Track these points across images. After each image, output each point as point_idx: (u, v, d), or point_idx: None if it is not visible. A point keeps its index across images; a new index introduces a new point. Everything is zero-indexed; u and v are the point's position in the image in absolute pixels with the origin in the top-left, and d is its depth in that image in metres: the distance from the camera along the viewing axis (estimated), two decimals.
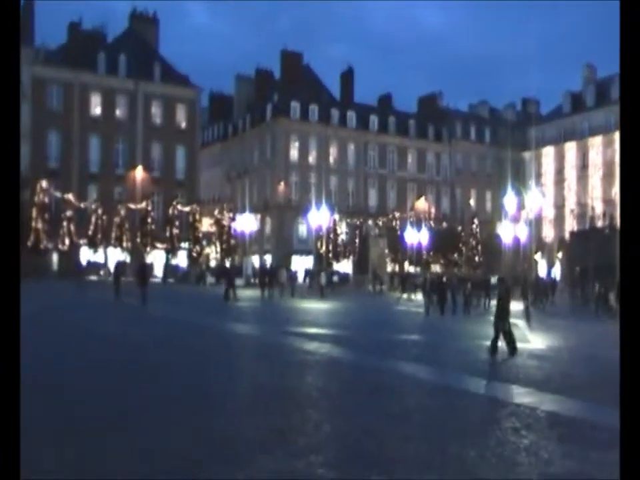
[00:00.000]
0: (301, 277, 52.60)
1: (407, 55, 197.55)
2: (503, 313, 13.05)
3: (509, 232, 47.10)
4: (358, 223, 66.40)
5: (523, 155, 75.53)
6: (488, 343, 13.17)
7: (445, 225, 70.71)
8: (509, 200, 34.46)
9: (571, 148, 71.69)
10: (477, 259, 67.55)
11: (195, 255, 59.53)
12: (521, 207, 37.78)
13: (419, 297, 33.62)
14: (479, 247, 68.46)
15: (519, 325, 21.78)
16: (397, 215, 67.84)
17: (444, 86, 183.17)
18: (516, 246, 45.92)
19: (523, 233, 43.49)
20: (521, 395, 8.73)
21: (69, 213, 55.27)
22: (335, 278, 46.21)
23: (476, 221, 70.32)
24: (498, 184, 71.80)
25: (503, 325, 12.98)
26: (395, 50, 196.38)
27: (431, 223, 68.31)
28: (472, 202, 77.69)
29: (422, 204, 73.45)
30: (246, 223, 56.87)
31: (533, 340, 16.93)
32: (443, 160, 77.58)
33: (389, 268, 62.54)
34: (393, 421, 7.18)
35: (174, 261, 59.68)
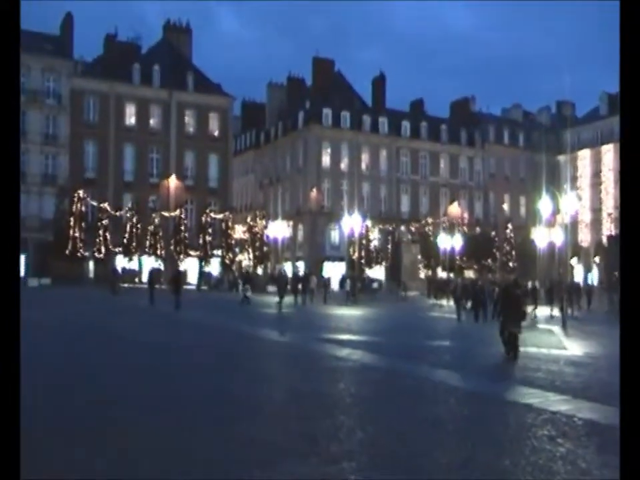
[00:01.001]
0: (335, 284, 52.56)
1: (439, 59, 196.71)
2: (517, 316, 12.85)
3: (544, 236, 46.42)
4: (390, 228, 66.18)
5: (557, 158, 74.53)
6: (524, 349, 12.99)
7: (478, 230, 70.09)
8: (544, 204, 33.96)
9: (608, 150, 70.45)
10: (511, 264, 66.77)
11: (227, 262, 59.93)
12: (556, 211, 37.21)
13: (451, 302, 33.36)
14: (513, 252, 67.68)
15: (554, 330, 21.46)
16: (430, 220, 67.46)
17: (476, 90, 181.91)
18: (551, 251, 45.21)
19: (558, 237, 42.82)
20: (557, 403, 8.58)
21: (104, 222, 56.17)
22: (375, 284, 45.82)
23: (510, 225, 69.57)
24: (532, 188, 70.93)
25: (516, 328, 12.79)
26: (426, 54, 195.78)
27: (464, 228, 67.80)
28: (505, 206, 76.85)
29: (455, 209, 72.92)
30: (278, 230, 57.10)
31: (569, 346, 16.64)
32: (476, 165, 76.94)
33: (422, 274, 62.15)
34: (425, 428, 7.12)
35: (207, 268, 60.14)
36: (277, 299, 29.48)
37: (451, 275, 57.12)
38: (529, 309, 26.98)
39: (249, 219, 61.66)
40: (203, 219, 59.49)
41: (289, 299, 38.40)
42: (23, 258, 58.04)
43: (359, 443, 6.43)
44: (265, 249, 60.61)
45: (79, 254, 54.35)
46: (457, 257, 59.92)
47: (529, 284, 34.77)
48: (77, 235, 54.33)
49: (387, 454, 5.97)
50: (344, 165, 69.92)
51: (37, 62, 59.74)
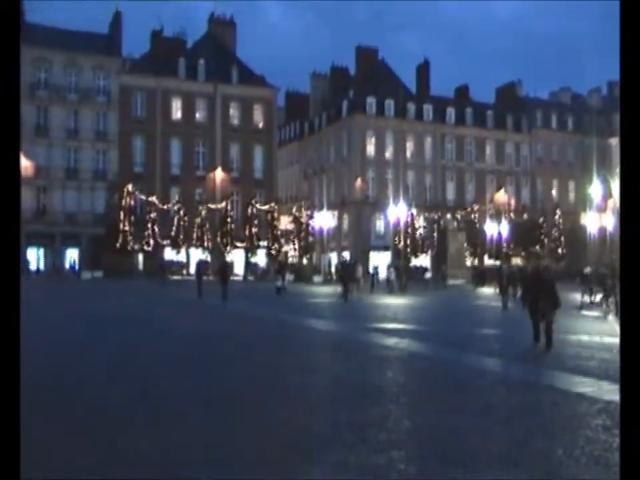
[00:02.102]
0: (383, 273, 52.43)
1: (483, 43, 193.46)
2: (551, 303, 12.52)
3: (594, 222, 45.35)
4: (436, 217, 65.59)
5: (609, 141, 72.58)
6: (573, 337, 12.70)
7: (525, 216, 68.88)
8: (595, 189, 33.19)
9: None
10: (560, 250, 65.48)
11: (273, 252, 60.35)
12: (607, 195, 36.29)
13: (498, 291, 32.89)
14: (562, 239, 66.32)
15: (609, 319, 20.97)
16: (476, 207, 66.61)
17: (523, 74, 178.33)
18: (602, 237, 44.17)
19: (610, 222, 41.77)
20: (612, 392, 8.37)
21: (153, 215, 57.17)
22: (428, 275, 45.39)
23: (558, 211, 68.19)
24: (581, 173, 69.33)
25: (551, 315, 12.49)
26: (470, 40, 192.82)
27: (511, 215, 66.74)
28: (554, 192, 75.29)
29: (501, 196, 71.80)
30: (323, 220, 57.19)
31: None
32: (523, 150, 75.55)
33: (468, 262, 61.48)
34: (474, 417, 7.03)
35: (253, 259, 60.68)
36: (338, 289, 29.53)
37: (498, 262, 56.35)
38: (582, 296, 26.47)
39: (294, 210, 61.92)
40: (249, 210, 59.99)
41: (332, 289, 38.44)
42: (76, 252, 59.59)
43: (407, 432, 6.39)
44: (310, 239, 60.81)
45: (128, 247, 55.49)
46: (504, 244, 59.01)
47: (586, 270, 34.01)
48: (126, 228, 55.45)
49: (436, 443, 5.92)
50: (388, 153, 69.50)
51: (88, 61, 61.00)
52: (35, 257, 58.75)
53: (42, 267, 57.61)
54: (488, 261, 59.87)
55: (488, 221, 59.13)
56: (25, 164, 57.21)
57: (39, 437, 5.79)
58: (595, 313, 23.10)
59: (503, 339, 15.30)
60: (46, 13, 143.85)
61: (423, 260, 62.82)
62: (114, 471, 5.03)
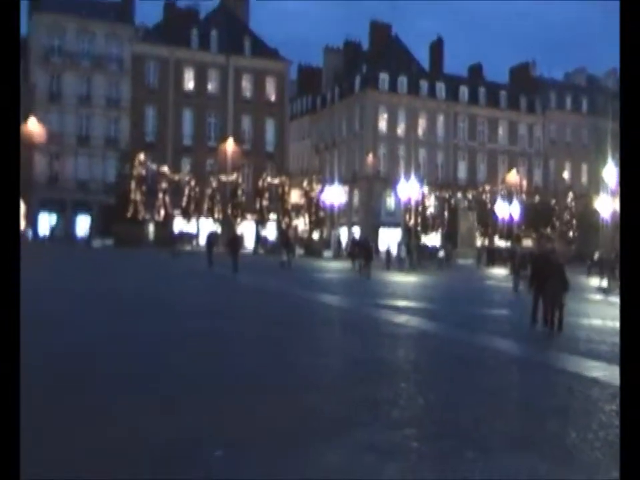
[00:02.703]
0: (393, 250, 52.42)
1: (498, 24, 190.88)
2: (561, 286, 12.49)
3: (608, 206, 45.08)
4: (447, 196, 65.34)
5: None
6: (587, 321, 12.69)
7: (537, 198, 68.51)
8: (609, 171, 32.93)
9: None
10: (571, 233, 65.24)
11: (283, 226, 60.40)
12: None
13: (507, 271, 32.91)
14: (574, 222, 66.02)
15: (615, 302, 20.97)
16: (487, 188, 66.27)
17: (538, 55, 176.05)
18: (615, 221, 43.92)
19: None
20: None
21: (164, 185, 57.20)
22: (441, 253, 45.10)
23: (571, 194, 67.78)
24: (595, 155, 68.73)
25: (561, 298, 12.46)
26: (484, 20, 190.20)
27: (523, 196, 66.35)
28: (566, 174, 74.79)
29: (513, 177, 71.35)
30: (334, 195, 57.08)
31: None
32: (536, 131, 74.92)
33: (479, 242, 61.36)
34: (487, 396, 7.09)
35: (263, 232, 60.77)
36: (348, 264, 29.54)
37: (508, 243, 56.21)
38: (598, 280, 26.44)
39: (304, 184, 61.81)
40: (260, 183, 59.94)
41: (343, 265, 38.50)
42: (87, 219, 59.81)
43: (421, 410, 6.45)
44: (321, 214, 60.76)
45: (139, 216, 55.63)
46: (515, 226, 58.83)
47: (595, 255, 33.90)
48: (137, 198, 55.52)
49: (449, 421, 5.98)
50: (400, 130, 69.11)
51: (101, 28, 60.69)
52: (47, 223, 59.07)
53: (53, 233, 57.89)
54: (498, 242, 59.73)
55: (499, 201, 58.84)
56: (38, 130, 57.23)
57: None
58: (606, 297, 23.09)
59: (514, 320, 15.34)
60: None
61: (434, 238, 62.74)
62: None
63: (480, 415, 6.23)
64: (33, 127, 57.45)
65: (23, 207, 57.71)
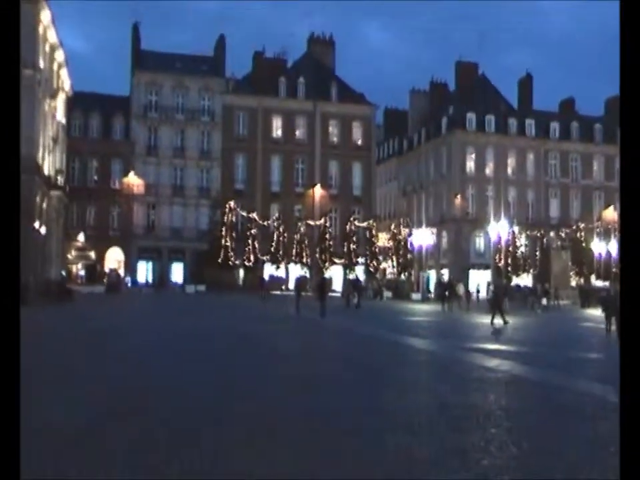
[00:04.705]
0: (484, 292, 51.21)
1: (591, 56, 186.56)
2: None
3: None
4: (538, 234, 63.53)
5: None
6: None
7: None
8: None
9: None
10: None
11: (371, 269, 60.32)
12: None
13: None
14: None
15: None
16: (582, 225, 63.99)
17: None
18: None
19: None
20: None
21: (253, 231, 58.60)
22: (544, 301, 43.29)
23: None
24: None
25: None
26: (577, 52, 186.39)
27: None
28: None
29: (611, 213, 68.62)
30: (422, 237, 56.69)
31: None
32: None
33: (573, 282, 59.06)
34: (585, 446, 6.74)
35: (351, 276, 60.83)
36: (437, 307, 29.08)
37: (606, 283, 53.77)
38: None
39: (392, 227, 61.73)
40: (347, 227, 60.34)
41: (432, 307, 37.92)
42: (181, 266, 61.91)
43: (513, 459, 6.21)
44: (409, 256, 60.35)
45: (230, 262, 57.07)
46: (613, 264, 56.33)
47: None
48: (228, 244, 57.09)
49: (543, 472, 5.73)
50: (489, 169, 68.15)
51: (194, 82, 63.75)
52: (144, 271, 61.56)
53: (149, 280, 60.23)
54: (596, 282, 57.28)
55: (595, 239, 56.67)
56: (137, 182, 60.24)
57: None
58: None
59: (611, 365, 14.59)
60: (159, 40, 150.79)
61: (525, 279, 60.93)
62: None
63: (576, 465, 5.94)
64: (133, 179, 60.57)
65: (122, 256, 60.47)
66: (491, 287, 31.06)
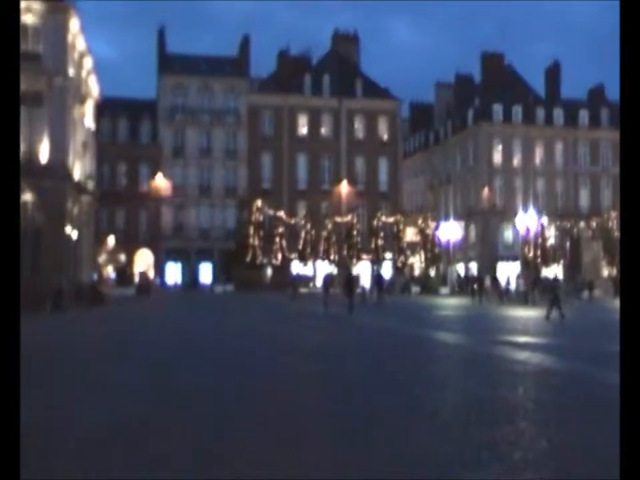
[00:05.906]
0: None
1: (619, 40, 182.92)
2: None
3: None
4: (568, 225, 62.65)
5: None
6: None
7: None
8: None
9: None
10: None
11: (399, 265, 60.11)
12: None
13: None
14: None
15: None
16: (613, 214, 62.93)
17: None
18: None
19: None
20: None
21: (281, 229, 58.79)
22: (585, 294, 42.67)
23: None
24: None
25: None
26: (604, 38, 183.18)
27: None
28: None
29: None
30: (450, 231, 56.32)
31: None
32: None
33: (605, 272, 58.17)
34: (614, 438, 6.65)
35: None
36: (468, 299, 28.91)
37: None
38: None
39: (419, 221, 61.42)
40: (374, 222, 60.22)
41: (460, 301, 37.68)
42: (209, 266, 62.40)
43: (543, 453, 6.13)
44: (437, 250, 60.03)
45: (258, 261, 57.34)
46: None
47: None
48: (255, 243, 57.38)
49: (575, 467, 5.65)
50: (516, 160, 67.44)
51: (219, 84, 64.18)
52: (173, 272, 62.17)
53: (178, 280, 60.81)
54: None
55: None
56: (165, 184, 60.84)
57: None
58: None
59: None
60: (184, 43, 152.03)
61: (555, 270, 60.14)
62: None
63: (609, 460, 5.86)
64: (160, 181, 61.17)
65: (151, 257, 61.14)
66: (549, 283, 30.45)
